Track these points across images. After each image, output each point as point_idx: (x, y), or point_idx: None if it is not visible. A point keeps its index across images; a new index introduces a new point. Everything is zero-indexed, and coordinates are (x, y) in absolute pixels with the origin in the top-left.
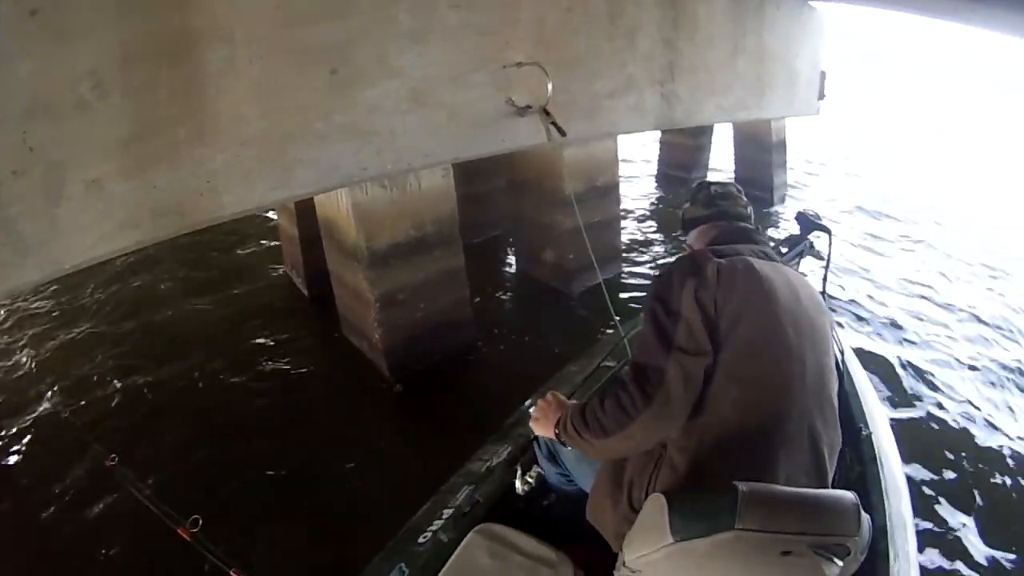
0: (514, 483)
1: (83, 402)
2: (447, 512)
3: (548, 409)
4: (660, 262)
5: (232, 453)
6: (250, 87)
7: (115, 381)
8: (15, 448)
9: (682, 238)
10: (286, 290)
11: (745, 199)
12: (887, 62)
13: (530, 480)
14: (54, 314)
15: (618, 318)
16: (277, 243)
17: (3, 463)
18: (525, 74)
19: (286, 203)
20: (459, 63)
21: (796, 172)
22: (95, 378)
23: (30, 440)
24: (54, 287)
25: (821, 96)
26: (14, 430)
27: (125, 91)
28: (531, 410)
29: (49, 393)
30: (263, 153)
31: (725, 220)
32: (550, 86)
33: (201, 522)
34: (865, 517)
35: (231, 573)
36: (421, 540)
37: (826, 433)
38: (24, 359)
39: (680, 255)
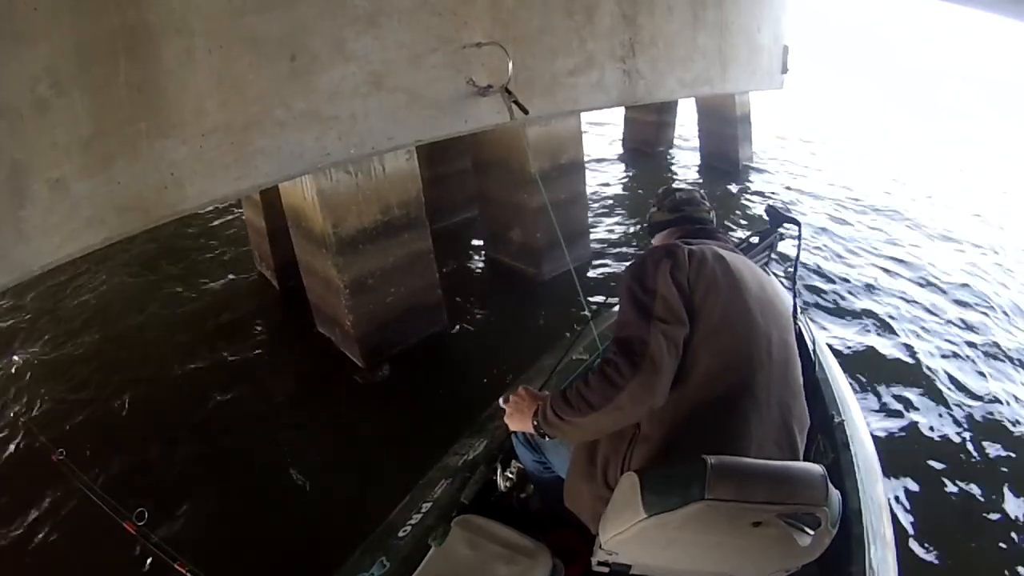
0: (493, 478)
1: (32, 399)
2: (426, 506)
3: (522, 403)
4: (629, 241)
5: (195, 450)
6: (209, 78)
7: (74, 378)
8: None
9: (649, 241)
10: (256, 283)
11: (708, 204)
12: (853, 36)
13: (511, 476)
14: (8, 308)
15: (591, 308)
16: (241, 233)
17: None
18: (485, 53)
19: (251, 193)
20: (416, 45)
21: (761, 146)
22: (51, 376)
23: None
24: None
25: (784, 70)
26: None
27: (84, 88)
28: (504, 406)
29: None
30: (225, 143)
31: (689, 223)
32: (511, 65)
33: (147, 515)
34: (835, 491)
35: (176, 567)
36: (401, 534)
37: (794, 406)
38: None
39: (652, 247)
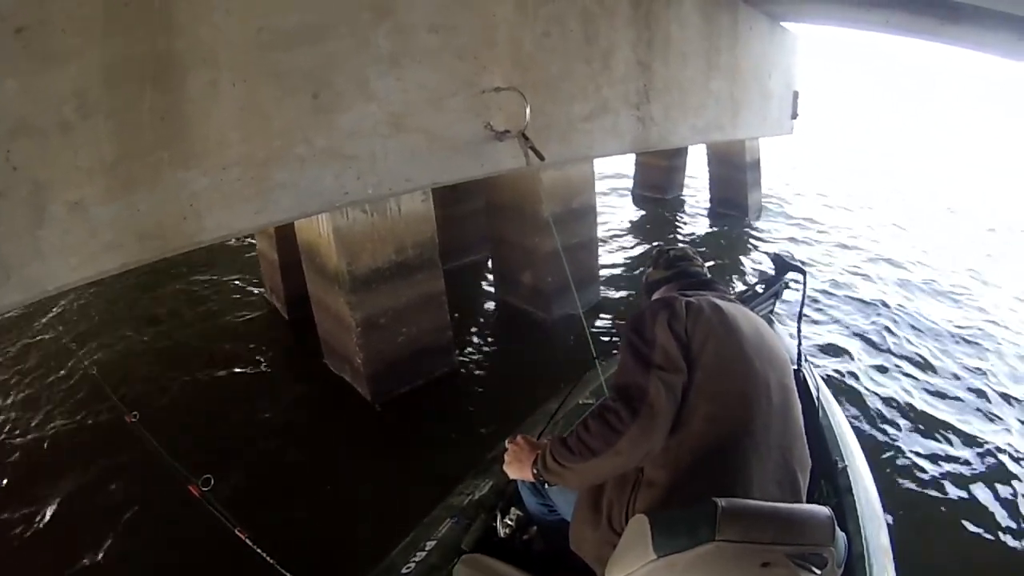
0: (492, 524)
1: None
2: (429, 544)
3: (520, 452)
4: (638, 286)
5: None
6: (233, 110)
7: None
8: (45, 398)
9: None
10: (265, 314)
11: (700, 260)
12: (862, 81)
13: (510, 523)
14: None
15: (598, 355)
16: (252, 259)
17: (34, 410)
18: (503, 98)
19: (268, 227)
20: (438, 87)
21: (770, 191)
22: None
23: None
24: None
25: (794, 115)
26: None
27: (109, 112)
28: (504, 455)
29: None
30: (245, 177)
31: (686, 277)
32: (528, 111)
33: (213, 481)
34: (840, 532)
35: (236, 531)
36: (404, 571)
37: (795, 448)
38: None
39: (652, 300)
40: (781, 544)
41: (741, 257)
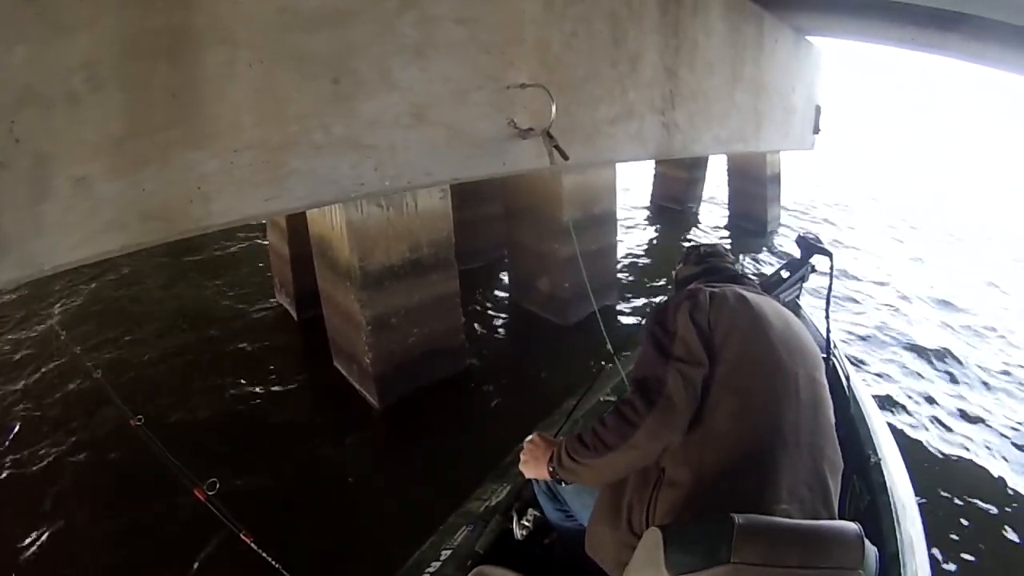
0: (508, 526)
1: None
2: (445, 553)
3: (536, 450)
4: (654, 294)
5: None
6: (249, 92)
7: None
8: (48, 401)
9: None
10: (273, 310)
11: (732, 256)
12: (884, 94)
13: (527, 524)
14: None
15: (618, 354)
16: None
17: (37, 414)
18: (528, 96)
19: (279, 216)
20: (462, 80)
21: (789, 207)
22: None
23: (61, 395)
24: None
25: (816, 130)
26: (48, 386)
27: (120, 87)
28: (521, 453)
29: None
30: (258, 162)
31: (715, 273)
32: (554, 109)
33: (218, 485)
34: (871, 549)
35: (241, 535)
36: None
37: (826, 448)
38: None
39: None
40: (804, 568)
41: (758, 271)
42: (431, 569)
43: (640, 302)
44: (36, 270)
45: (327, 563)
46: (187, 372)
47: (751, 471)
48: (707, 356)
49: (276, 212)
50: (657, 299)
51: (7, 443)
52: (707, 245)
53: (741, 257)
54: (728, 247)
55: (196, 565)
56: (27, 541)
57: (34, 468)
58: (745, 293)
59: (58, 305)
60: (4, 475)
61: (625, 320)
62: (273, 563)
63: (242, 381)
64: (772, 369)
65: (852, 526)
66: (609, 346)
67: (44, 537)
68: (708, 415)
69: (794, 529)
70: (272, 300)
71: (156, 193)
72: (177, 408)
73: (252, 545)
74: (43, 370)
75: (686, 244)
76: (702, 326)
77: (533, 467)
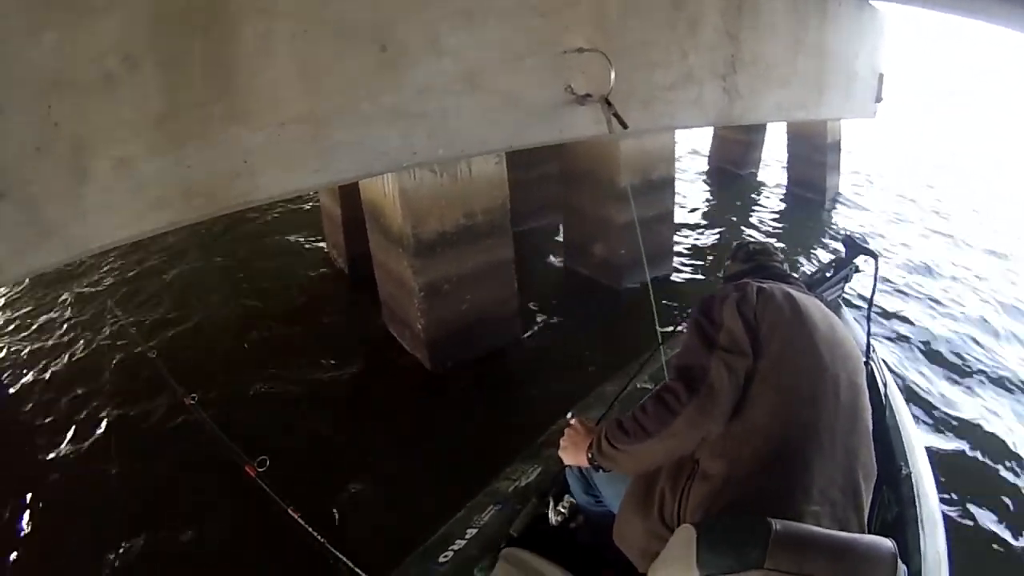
0: (544, 511)
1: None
2: (471, 531)
3: (576, 436)
4: (709, 261)
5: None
6: (291, 64)
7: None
8: (104, 379)
9: None
10: (326, 273)
11: (780, 256)
12: (950, 68)
13: (563, 511)
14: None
15: (663, 339)
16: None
17: (92, 391)
18: (585, 61)
19: (328, 187)
20: (515, 45)
21: (847, 175)
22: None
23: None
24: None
25: (878, 99)
26: (105, 364)
27: (157, 65)
28: (561, 439)
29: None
30: (304, 134)
31: (763, 271)
32: (613, 74)
33: (268, 463)
34: (902, 567)
35: (289, 511)
36: (442, 559)
37: (861, 452)
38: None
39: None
40: None
41: (813, 241)
42: (455, 546)
43: (694, 270)
44: (82, 251)
45: (372, 536)
46: (239, 341)
47: (785, 468)
48: (751, 349)
49: (325, 184)
50: (712, 266)
51: (63, 421)
52: (756, 243)
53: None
54: (786, 226)
55: (247, 539)
56: (78, 512)
57: (89, 439)
58: (792, 292)
59: (108, 278)
60: (61, 450)
61: (679, 290)
62: (319, 537)
63: (294, 345)
64: (814, 369)
65: (887, 543)
66: (657, 329)
67: (95, 508)
68: (747, 409)
69: (830, 540)
70: (322, 266)
71: (200, 169)
72: (229, 380)
73: (299, 520)
74: (93, 346)
75: (746, 219)
76: (748, 318)
77: (572, 453)
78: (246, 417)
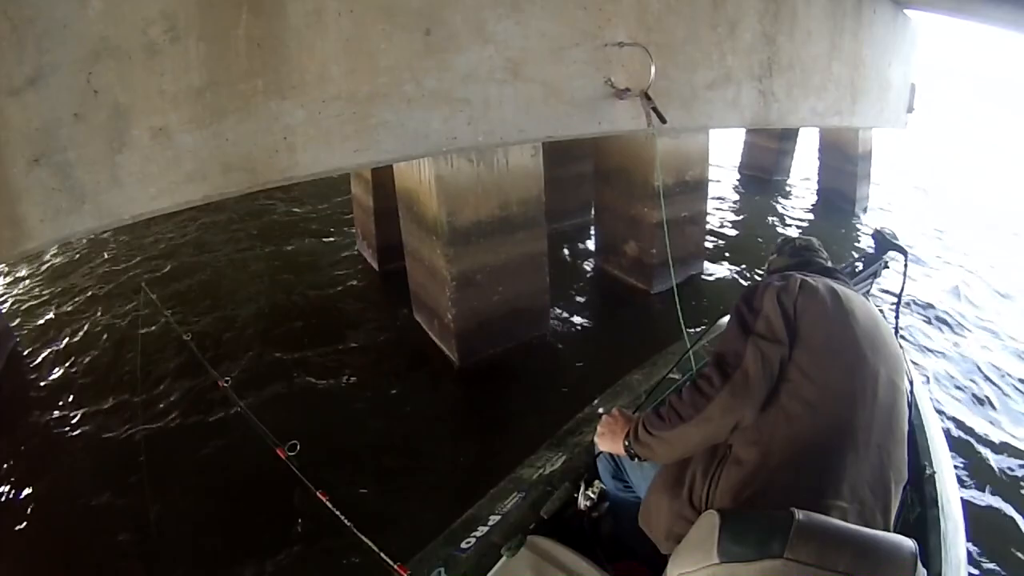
0: (573, 496)
1: None
2: (493, 519)
3: (615, 424)
4: (740, 263)
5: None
6: (337, 42)
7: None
8: (142, 362)
9: None
10: (356, 265)
11: (825, 252)
12: (980, 79)
13: (592, 496)
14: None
15: (692, 330)
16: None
17: (127, 372)
18: (626, 55)
19: (367, 168)
20: (559, 36)
21: (879, 186)
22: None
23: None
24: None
25: (910, 109)
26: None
27: (201, 36)
28: (598, 426)
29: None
30: (347, 113)
31: (808, 266)
32: (653, 69)
33: (299, 447)
34: (922, 570)
35: (318, 495)
36: (464, 545)
37: (894, 453)
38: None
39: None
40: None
41: (841, 248)
42: (478, 532)
43: (724, 272)
44: (115, 219)
45: (398, 522)
46: (267, 330)
47: (817, 462)
48: (788, 337)
49: (365, 164)
50: (742, 268)
51: (98, 399)
52: (802, 238)
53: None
54: (818, 239)
55: (279, 523)
56: (107, 488)
57: (124, 420)
58: (837, 287)
59: (139, 266)
60: (95, 428)
61: (710, 291)
62: (346, 521)
63: (322, 336)
64: (853, 364)
65: (908, 543)
66: (682, 324)
67: (128, 485)
68: (784, 399)
69: (852, 534)
70: (352, 256)
71: (239, 143)
72: (257, 368)
73: (327, 504)
74: (131, 329)
75: (776, 224)
76: (787, 308)
77: (610, 440)
78: (272, 401)
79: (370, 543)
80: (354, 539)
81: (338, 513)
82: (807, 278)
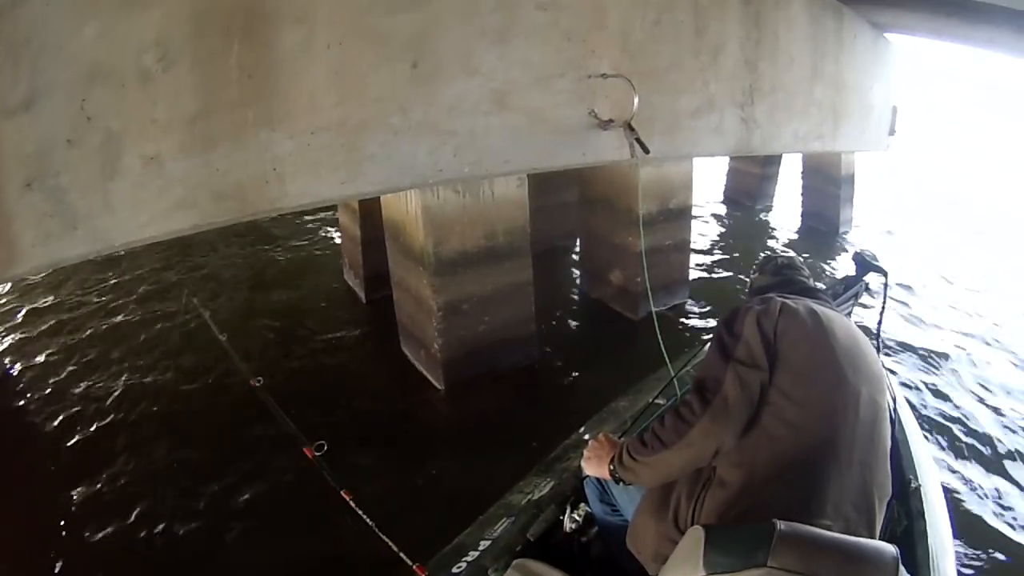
0: (559, 519)
1: None
2: (484, 544)
3: (600, 449)
4: (724, 289)
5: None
6: (326, 73)
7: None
8: (177, 360)
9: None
10: (342, 294)
11: (807, 270)
12: (962, 99)
13: (578, 518)
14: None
15: (684, 355)
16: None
17: (163, 366)
18: (609, 85)
19: (355, 199)
20: (543, 67)
21: (862, 209)
22: None
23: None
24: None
25: (892, 131)
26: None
27: (193, 65)
28: (585, 450)
29: None
30: (335, 144)
31: (790, 285)
32: (636, 100)
33: (326, 447)
34: (904, 573)
35: (342, 494)
36: (455, 570)
37: (877, 471)
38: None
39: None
40: None
41: (825, 271)
42: (469, 557)
43: (709, 299)
44: (106, 246)
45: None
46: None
47: (800, 481)
48: (768, 362)
49: (352, 196)
50: (727, 294)
51: (133, 395)
52: (784, 257)
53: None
54: (802, 259)
55: (301, 516)
56: (140, 483)
57: (157, 417)
58: (817, 308)
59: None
60: (132, 422)
61: (693, 318)
62: (368, 521)
63: (309, 364)
64: (834, 384)
65: (890, 548)
66: (663, 350)
67: (161, 479)
68: (766, 421)
69: (833, 542)
70: (339, 285)
71: (229, 173)
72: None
73: (350, 503)
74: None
75: (760, 250)
76: (767, 332)
77: (595, 465)
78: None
79: (390, 542)
80: (371, 537)
81: (361, 512)
82: (787, 300)
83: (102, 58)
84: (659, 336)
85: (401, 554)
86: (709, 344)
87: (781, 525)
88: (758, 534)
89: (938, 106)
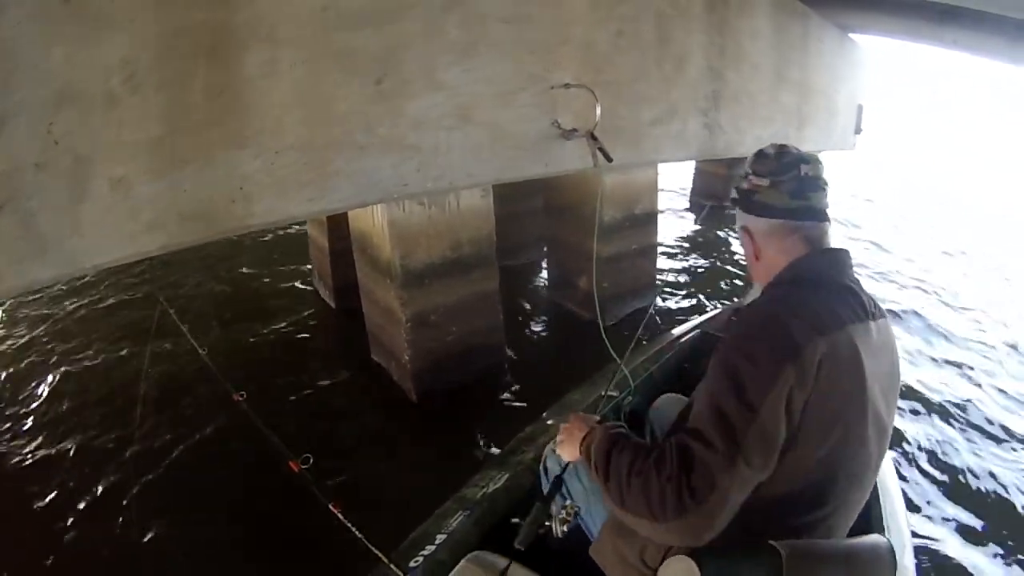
0: (514, 520)
1: None
2: (440, 537)
3: (573, 430)
4: (692, 290)
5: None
6: (291, 91)
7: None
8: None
9: (739, 222)
10: (312, 301)
11: (825, 179)
12: (929, 97)
13: (568, 518)
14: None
15: (622, 355)
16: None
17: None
18: (572, 96)
19: (320, 216)
20: (507, 80)
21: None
22: None
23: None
24: None
25: (858, 130)
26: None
27: (159, 86)
28: (558, 436)
29: None
30: (301, 162)
31: (814, 219)
32: (599, 110)
33: (312, 460)
34: (897, 560)
35: (331, 507)
36: (412, 564)
37: (870, 486)
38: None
39: (769, 306)
40: None
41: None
42: (425, 552)
43: (676, 302)
44: (76, 269)
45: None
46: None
47: (784, 523)
48: (787, 434)
49: (319, 212)
50: (693, 297)
51: (113, 413)
52: (809, 164)
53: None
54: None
55: (289, 529)
56: (124, 500)
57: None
58: (859, 345)
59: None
60: (110, 441)
61: (663, 321)
62: (357, 533)
63: (280, 375)
64: (854, 453)
65: (884, 541)
66: (613, 354)
67: (147, 495)
68: (783, 465)
69: (834, 549)
70: (308, 295)
71: (197, 193)
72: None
73: (339, 515)
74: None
75: (727, 251)
76: (794, 411)
77: (569, 448)
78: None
79: (381, 556)
80: (354, 543)
81: (350, 524)
82: (824, 347)
83: (70, 81)
84: (603, 332)
85: (392, 566)
86: (716, 378)
87: (783, 549)
88: (763, 563)
89: (935, 105)
